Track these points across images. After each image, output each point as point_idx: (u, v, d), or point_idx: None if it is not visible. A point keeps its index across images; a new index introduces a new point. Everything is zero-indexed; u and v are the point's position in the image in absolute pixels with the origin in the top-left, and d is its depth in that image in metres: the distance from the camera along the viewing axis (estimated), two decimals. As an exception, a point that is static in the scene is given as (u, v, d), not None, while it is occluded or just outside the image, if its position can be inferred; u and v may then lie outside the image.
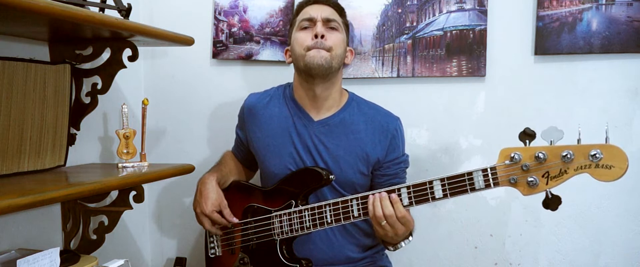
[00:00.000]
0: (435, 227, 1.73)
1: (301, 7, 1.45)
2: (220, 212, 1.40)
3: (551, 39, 1.58)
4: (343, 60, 1.42)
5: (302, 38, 1.38)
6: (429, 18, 1.66)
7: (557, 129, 1.04)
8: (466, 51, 1.64)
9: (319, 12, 1.39)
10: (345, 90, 1.48)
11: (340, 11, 1.46)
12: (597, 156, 1.01)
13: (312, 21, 1.39)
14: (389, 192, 1.22)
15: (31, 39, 1.31)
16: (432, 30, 1.66)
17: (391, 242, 1.31)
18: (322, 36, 1.35)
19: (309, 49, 1.36)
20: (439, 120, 1.70)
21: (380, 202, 1.21)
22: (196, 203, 1.41)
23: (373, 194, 1.23)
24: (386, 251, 1.54)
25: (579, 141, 1.04)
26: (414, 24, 1.68)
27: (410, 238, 1.30)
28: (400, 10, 1.68)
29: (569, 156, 1.03)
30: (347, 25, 1.48)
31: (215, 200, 1.39)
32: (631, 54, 1.54)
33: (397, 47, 1.69)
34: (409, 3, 1.68)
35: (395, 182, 1.36)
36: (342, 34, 1.41)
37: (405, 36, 1.68)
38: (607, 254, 1.63)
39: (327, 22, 1.39)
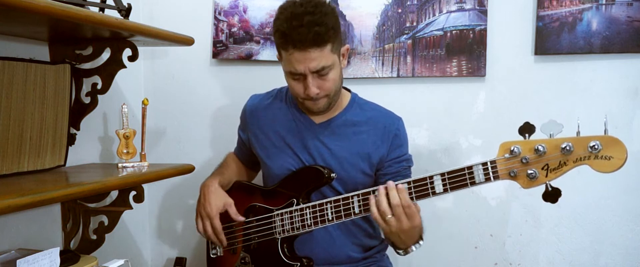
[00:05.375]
0: (435, 227, 1.73)
1: (281, 40, 1.25)
2: (225, 213, 1.39)
3: (551, 39, 1.58)
4: (341, 84, 1.36)
5: (294, 88, 1.31)
6: (429, 18, 1.67)
7: (556, 122, 1.05)
8: (466, 51, 1.64)
9: (306, 63, 1.23)
10: (347, 90, 1.47)
11: (323, 40, 1.22)
12: (596, 147, 1.02)
13: (302, 75, 1.27)
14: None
15: (31, 39, 1.31)
16: (432, 30, 1.66)
17: (399, 245, 1.24)
18: (317, 93, 1.28)
19: (304, 99, 1.32)
20: (439, 120, 1.70)
21: (386, 194, 1.17)
22: (201, 207, 1.41)
23: (374, 190, 1.22)
24: (387, 252, 1.54)
25: (578, 133, 1.04)
26: (414, 24, 1.68)
27: (420, 242, 1.24)
28: (400, 10, 1.68)
29: (568, 147, 1.04)
30: (338, 34, 1.29)
31: (219, 201, 1.38)
32: (631, 54, 1.54)
33: (397, 47, 1.69)
34: (409, 3, 1.68)
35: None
36: (334, 70, 1.28)
37: (405, 36, 1.68)
38: (607, 254, 1.63)
39: (316, 72, 1.26)
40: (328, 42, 1.24)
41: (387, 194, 1.17)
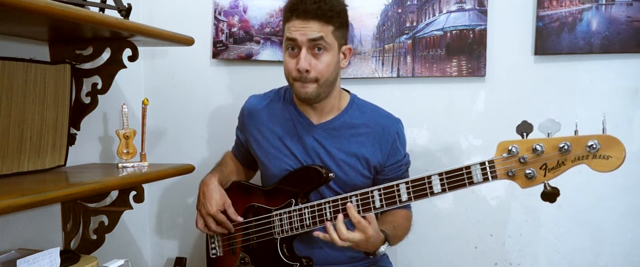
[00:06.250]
0: (435, 227, 1.73)
1: (287, 14, 1.31)
2: (224, 212, 1.40)
3: (551, 39, 1.58)
4: (335, 79, 1.36)
5: (287, 65, 1.32)
6: (429, 18, 1.66)
7: (554, 121, 1.04)
8: (466, 51, 1.64)
9: (304, 31, 1.26)
10: (346, 91, 1.47)
11: (330, 17, 1.28)
12: (594, 146, 1.02)
13: (295, 43, 1.29)
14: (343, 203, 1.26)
15: (31, 39, 1.31)
16: (432, 30, 1.66)
17: (364, 251, 1.28)
18: (307, 71, 1.28)
19: (294, 79, 1.32)
20: (439, 121, 1.70)
21: (336, 231, 1.23)
22: (200, 204, 1.41)
23: (371, 191, 1.24)
24: (387, 252, 1.53)
25: (576, 132, 1.04)
26: (414, 24, 1.68)
27: (385, 244, 1.28)
28: (400, 10, 1.68)
29: (566, 147, 1.04)
30: (344, 27, 1.35)
31: (219, 199, 1.39)
32: (631, 54, 1.54)
33: (397, 47, 1.69)
34: (409, 3, 1.68)
35: None
36: (330, 53, 1.30)
37: (405, 36, 1.68)
38: (607, 254, 1.63)
39: (313, 42, 1.27)
40: (330, 23, 1.28)
41: (337, 230, 1.23)
